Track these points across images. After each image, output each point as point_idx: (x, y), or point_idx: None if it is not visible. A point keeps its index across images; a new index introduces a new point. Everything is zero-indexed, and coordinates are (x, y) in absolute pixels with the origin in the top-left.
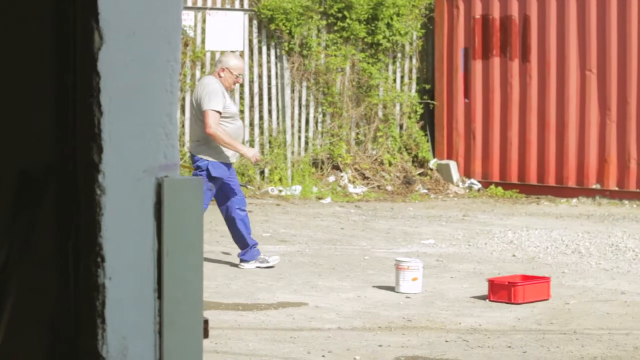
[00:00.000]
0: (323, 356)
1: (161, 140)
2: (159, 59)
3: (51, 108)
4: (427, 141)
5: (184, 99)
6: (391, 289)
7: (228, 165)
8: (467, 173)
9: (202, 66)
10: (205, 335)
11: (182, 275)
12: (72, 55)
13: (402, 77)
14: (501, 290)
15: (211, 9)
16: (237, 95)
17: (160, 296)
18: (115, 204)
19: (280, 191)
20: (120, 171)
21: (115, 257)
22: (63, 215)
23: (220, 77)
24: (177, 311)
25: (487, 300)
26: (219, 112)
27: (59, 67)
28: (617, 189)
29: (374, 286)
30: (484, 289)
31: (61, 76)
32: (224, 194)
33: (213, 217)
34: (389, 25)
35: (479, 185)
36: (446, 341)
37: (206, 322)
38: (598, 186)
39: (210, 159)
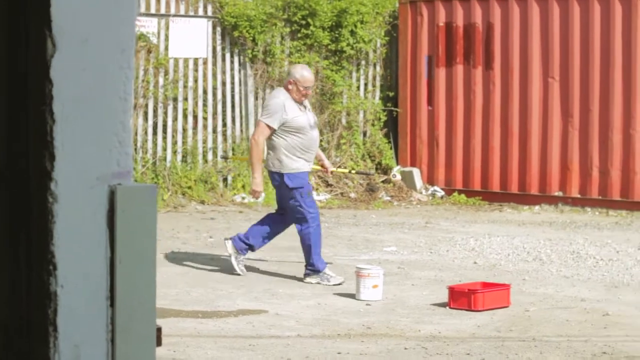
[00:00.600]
0: None
1: (114, 148)
2: (113, 66)
3: (2, 115)
4: (391, 148)
5: (147, 105)
6: (352, 296)
7: (304, 174)
8: (430, 180)
9: (166, 73)
10: (159, 343)
11: (135, 283)
12: (24, 63)
13: (365, 84)
14: (461, 298)
15: (174, 15)
16: (200, 103)
17: (113, 304)
18: (67, 211)
19: (243, 198)
20: (73, 179)
21: (67, 265)
22: (15, 222)
23: (288, 89)
24: (130, 319)
25: (448, 307)
26: (271, 128)
27: (10, 74)
28: (579, 196)
29: (334, 294)
30: (444, 297)
31: (13, 84)
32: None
33: (175, 224)
34: (352, 33)
35: (442, 193)
36: (405, 348)
37: (159, 330)
38: (560, 193)
39: (283, 170)
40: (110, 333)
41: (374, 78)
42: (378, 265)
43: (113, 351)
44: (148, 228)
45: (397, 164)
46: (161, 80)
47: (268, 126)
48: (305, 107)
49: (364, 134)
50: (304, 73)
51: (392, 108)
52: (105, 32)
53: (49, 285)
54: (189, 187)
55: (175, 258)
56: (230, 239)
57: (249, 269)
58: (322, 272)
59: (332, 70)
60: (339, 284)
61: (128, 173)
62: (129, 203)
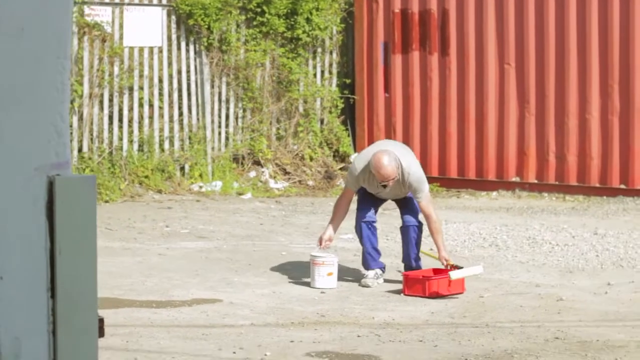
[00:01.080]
0: (234, 352)
1: (52, 139)
2: (49, 56)
3: None
4: (348, 135)
5: (102, 95)
6: (307, 284)
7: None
8: None
9: (121, 62)
10: (101, 334)
11: (75, 274)
12: None
13: (322, 71)
14: (416, 285)
15: (129, 4)
16: (155, 91)
17: (53, 295)
18: (5, 202)
19: (200, 187)
20: (11, 169)
21: (6, 256)
22: None
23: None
24: (71, 310)
25: (402, 294)
26: (350, 190)
27: None
28: (536, 181)
29: (290, 282)
30: (399, 284)
31: None
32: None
33: (132, 213)
34: (308, 20)
35: None
36: (358, 336)
37: (102, 320)
38: (517, 179)
39: None
40: (51, 324)
41: (331, 65)
42: (333, 253)
43: (54, 343)
44: (87, 219)
45: (355, 151)
46: (116, 70)
47: (347, 187)
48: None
49: (321, 121)
50: (380, 171)
51: (349, 95)
52: (42, 21)
53: None
54: (146, 177)
55: (131, 248)
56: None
57: (205, 258)
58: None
59: (288, 58)
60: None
61: (67, 164)
62: (68, 194)
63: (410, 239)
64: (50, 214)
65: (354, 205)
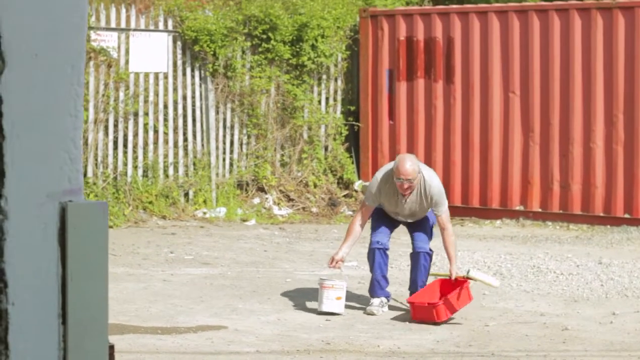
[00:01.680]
0: None
1: (65, 165)
2: (63, 82)
3: None
4: (352, 163)
5: (107, 120)
6: (313, 311)
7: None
8: None
9: (126, 88)
10: None
11: (86, 300)
12: None
13: (327, 98)
14: (423, 312)
15: (135, 30)
16: (160, 117)
17: (64, 322)
18: (18, 229)
19: (204, 213)
20: (23, 196)
21: (18, 282)
22: None
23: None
24: (82, 337)
25: (409, 322)
26: (367, 207)
27: None
28: (540, 210)
29: (295, 309)
30: (404, 311)
31: None
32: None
33: (136, 239)
34: (313, 47)
35: None
36: None
37: (112, 347)
38: (521, 207)
39: None
40: (62, 351)
41: (335, 92)
42: (343, 277)
43: None
44: (99, 245)
45: (359, 178)
46: (121, 95)
47: (365, 203)
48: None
49: (326, 148)
50: (398, 166)
51: (354, 122)
52: (55, 48)
53: (0, 303)
54: (150, 202)
55: (135, 274)
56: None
57: (210, 284)
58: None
59: (293, 85)
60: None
61: (79, 190)
62: (80, 220)
63: (421, 266)
64: (62, 240)
65: (366, 232)
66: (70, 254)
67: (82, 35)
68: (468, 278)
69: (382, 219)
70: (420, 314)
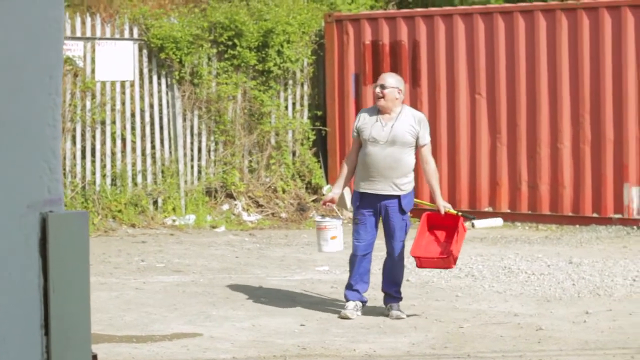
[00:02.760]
0: None
1: (45, 175)
2: (41, 92)
3: None
4: (320, 167)
5: (74, 129)
6: (287, 315)
7: (357, 194)
8: None
9: (93, 96)
10: None
11: (69, 310)
12: None
13: (293, 104)
14: (431, 264)
15: (100, 38)
16: (128, 125)
17: (47, 332)
18: None
19: (174, 221)
20: (4, 207)
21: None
22: None
23: None
24: (64, 347)
25: (383, 326)
26: (354, 141)
27: None
28: (509, 211)
29: (269, 314)
30: (378, 315)
31: None
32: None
33: (106, 248)
34: (279, 53)
35: None
36: None
37: (95, 357)
38: (490, 209)
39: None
40: None
41: (302, 97)
42: (335, 218)
43: None
44: (81, 255)
45: (327, 183)
46: (88, 104)
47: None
48: (387, 119)
49: (293, 153)
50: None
51: (321, 127)
52: (33, 58)
53: None
54: (119, 211)
55: (107, 282)
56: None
57: (182, 292)
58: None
59: (259, 91)
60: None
61: (59, 200)
62: (61, 230)
63: (399, 264)
64: (43, 250)
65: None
66: (52, 264)
67: (60, 45)
68: (462, 216)
69: (364, 225)
70: (428, 264)
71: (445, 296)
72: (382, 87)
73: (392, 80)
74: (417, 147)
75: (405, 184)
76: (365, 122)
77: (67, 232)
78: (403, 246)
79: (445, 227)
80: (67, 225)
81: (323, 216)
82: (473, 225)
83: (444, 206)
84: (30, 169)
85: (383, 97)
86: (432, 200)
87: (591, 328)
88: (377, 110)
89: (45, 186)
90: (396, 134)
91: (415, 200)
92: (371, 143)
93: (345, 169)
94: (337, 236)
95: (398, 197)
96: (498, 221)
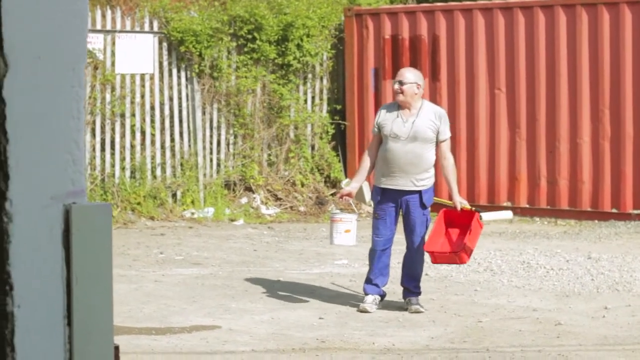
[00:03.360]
0: None
1: (68, 167)
2: (65, 84)
3: None
4: (339, 161)
5: (94, 122)
6: (306, 308)
7: (377, 189)
8: None
9: (112, 89)
10: None
11: (91, 302)
12: None
13: (313, 97)
14: (444, 259)
15: (120, 31)
16: (147, 118)
17: (70, 323)
18: (22, 231)
19: (192, 214)
20: (28, 198)
21: (23, 285)
22: None
23: None
24: (87, 338)
25: (402, 320)
26: (374, 137)
27: None
28: (528, 206)
29: (287, 307)
30: (396, 309)
31: None
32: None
33: (125, 240)
34: (299, 46)
35: None
36: None
37: (117, 348)
38: (509, 204)
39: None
40: (68, 353)
41: (321, 91)
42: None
43: None
44: (103, 247)
45: (346, 176)
46: (108, 97)
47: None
48: (408, 115)
49: (312, 147)
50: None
51: (340, 121)
52: (57, 51)
53: (6, 305)
54: (138, 203)
55: (126, 275)
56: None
57: (201, 284)
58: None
59: (279, 84)
60: (363, 310)
61: (82, 192)
62: (84, 222)
63: (419, 259)
64: (66, 242)
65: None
66: (75, 255)
67: (83, 37)
68: (476, 211)
69: (384, 220)
70: (442, 259)
71: (464, 290)
72: (401, 83)
73: (410, 76)
74: (437, 143)
75: (426, 179)
76: (385, 118)
77: (90, 224)
78: (423, 241)
79: (462, 223)
80: (90, 217)
81: (341, 210)
82: (480, 218)
83: (460, 202)
84: (53, 160)
85: (402, 92)
86: (450, 197)
87: (610, 323)
88: (398, 106)
89: (68, 178)
90: (417, 129)
91: (434, 198)
92: (392, 139)
93: (365, 164)
94: (350, 230)
95: (419, 192)
96: (507, 214)
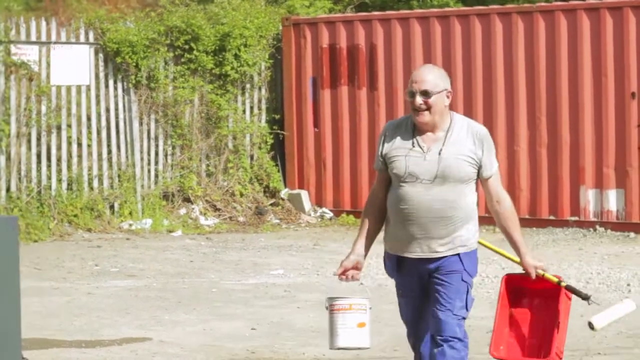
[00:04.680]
0: None
1: None
2: None
3: None
4: (278, 171)
5: (30, 134)
6: (238, 319)
7: (394, 258)
8: (318, 202)
9: (48, 101)
10: None
11: None
12: None
13: (251, 107)
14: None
15: (55, 43)
16: (84, 130)
17: None
18: None
19: (130, 225)
20: None
21: None
22: None
23: None
24: None
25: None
26: (379, 176)
27: None
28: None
29: (221, 318)
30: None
31: None
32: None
33: (60, 253)
34: (236, 56)
35: (331, 214)
36: None
37: None
38: None
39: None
40: None
41: (260, 101)
42: (364, 293)
43: None
44: (10, 259)
45: (285, 186)
46: (44, 108)
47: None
48: (431, 141)
49: (251, 157)
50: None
51: (279, 131)
52: None
53: None
54: (75, 215)
55: (60, 287)
56: None
57: (135, 296)
58: None
59: (217, 94)
60: None
61: None
62: None
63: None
64: None
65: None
66: None
67: None
68: (565, 288)
69: (406, 298)
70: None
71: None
72: (426, 94)
73: (437, 81)
74: (481, 179)
75: (465, 239)
76: (395, 146)
77: None
78: (462, 325)
79: (538, 294)
80: None
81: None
82: (568, 288)
83: (535, 266)
84: None
85: (428, 109)
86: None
87: None
88: (412, 125)
89: None
90: (448, 164)
91: (480, 241)
92: (408, 182)
93: (365, 223)
94: (365, 323)
95: (456, 256)
96: (630, 305)
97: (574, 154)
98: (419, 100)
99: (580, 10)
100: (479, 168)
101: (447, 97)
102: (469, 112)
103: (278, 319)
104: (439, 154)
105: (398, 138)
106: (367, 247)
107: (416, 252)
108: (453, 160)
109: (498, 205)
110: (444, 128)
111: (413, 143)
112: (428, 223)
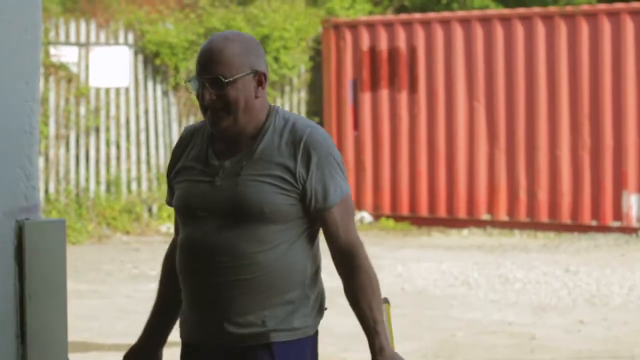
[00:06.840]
0: None
1: (21, 182)
2: (17, 99)
3: None
4: None
5: (68, 136)
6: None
7: (183, 349)
8: (358, 206)
9: (87, 103)
10: None
11: (45, 319)
12: None
13: (290, 110)
14: None
15: (95, 44)
16: (122, 132)
17: (23, 341)
18: None
19: (168, 228)
20: None
21: None
22: None
23: None
24: (41, 355)
25: None
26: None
27: None
28: (507, 219)
29: None
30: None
31: None
32: None
33: (99, 255)
34: (276, 59)
35: (370, 218)
36: None
37: None
38: (488, 217)
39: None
40: None
41: (299, 104)
42: None
43: None
44: (57, 263)
45: None
46: (82, 110)
47: None
48: (231, 150)
49: None
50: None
51: None
52: (10, 64)
53: None
54: (114, 218)
55: (99, 290)
56: None
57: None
58: None
59: None
60: None
61: (36, 207)
62: (37, 238)
63: None
64: (19, 258)
65: None
66: (28, 272)
67: (37, 51)
68: None
69: None
70: None
71: (439, 305)
72: (212, 81)
73: (235, 59)
74: (317, 219)
75: (281, 316)
76: (183, 165)
77: (43, 240)
78: None
79: None
80: (44, 232)
81: None
82: None
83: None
84: (6, 176)
85: (226, 107)
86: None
87: (585, 337)
88: (209, 134)
89: (21, 193)
90: (245, 192)
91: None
92: (189, 221)
93: (159, 286)
94: None
95: (267, 347)
96: None
97: (617, 158)
98: (208, 94)
99: (624, 13)
100: (305, 198)
101: (259, 82)
102: (510, 116)
103: (323, 322)
104: (237, 170)
105: (191, 153)
106: (159, 330)
107: (203, 334)
108: (250, 181)
109: (349, 271)
110: (253, 133)
111: (206, 154)
112: (214, 286)
